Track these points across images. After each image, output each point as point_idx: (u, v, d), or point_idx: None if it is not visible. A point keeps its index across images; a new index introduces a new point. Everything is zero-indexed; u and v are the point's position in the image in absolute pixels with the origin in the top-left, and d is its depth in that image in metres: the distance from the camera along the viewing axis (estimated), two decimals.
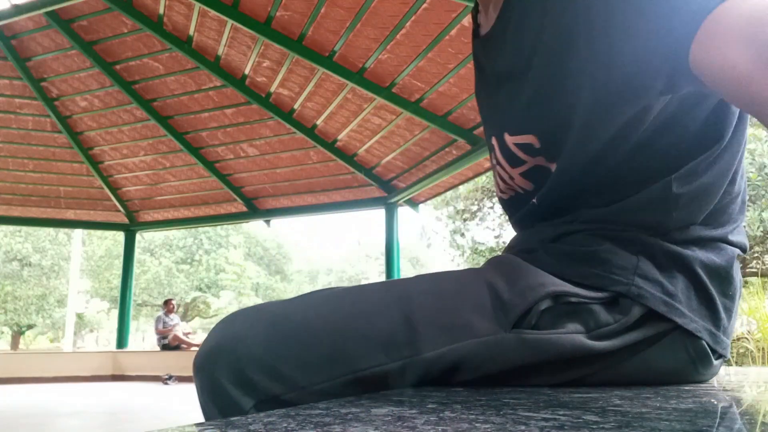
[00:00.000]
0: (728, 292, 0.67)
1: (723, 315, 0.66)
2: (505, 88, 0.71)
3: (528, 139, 0.68)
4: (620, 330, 0.62)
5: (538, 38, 0.63)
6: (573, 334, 0.61)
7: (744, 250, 0.71)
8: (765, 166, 6.50)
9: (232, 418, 0.40)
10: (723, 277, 0.67)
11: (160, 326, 8.94)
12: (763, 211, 6.39)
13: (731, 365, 4.80)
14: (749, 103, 0.44)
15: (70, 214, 8.67)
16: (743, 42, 0.43)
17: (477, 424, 0.36)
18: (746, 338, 5.21)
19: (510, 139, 0.70)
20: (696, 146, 0.64)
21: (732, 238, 0.69)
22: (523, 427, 0.35)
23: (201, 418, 0.60)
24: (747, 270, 7.40)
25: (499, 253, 0.81)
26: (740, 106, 0.46)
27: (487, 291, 0.63)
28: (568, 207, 0.69)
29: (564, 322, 0.62)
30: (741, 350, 5.18)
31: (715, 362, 0.68)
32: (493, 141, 0.75)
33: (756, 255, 7.25)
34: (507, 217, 0.86)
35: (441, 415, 0.41)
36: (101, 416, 4.78)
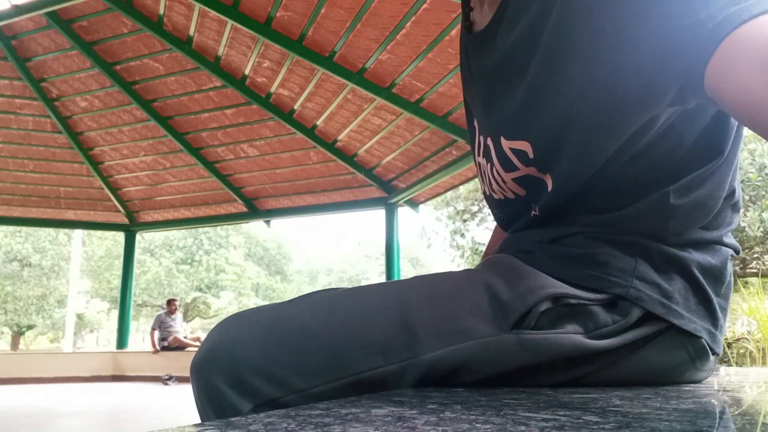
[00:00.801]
0: (722, 292, 0.69)
1: (719, 314, 0.67)
2: (499, 88, 0.70)
3: (523, 145, 0.67)
4: (619, 331, 0.63)
5: (537, 38, 0.62)
6: (572, 334, 0.61)
7: (737, 252, 0.72)
8: (765, 166, 6.50)
9: (232, 419, 0.40)
10: (717, 278, 0.68)
11: (157, 326, 8.92)
12: (763, 211, 6.38)
13: (731, 365, 4.80)
14: (763, 127, 0.44)
15: (70, 215, 8.67)
16: (759, 67, 0.43)
17: (477, 425, 0.36)
18: (746, 338, 5.20)
19: (506, 144, 0.70)
20: (695, 158, 0.64)
21: (726, 240, 0.70)
22: (523, 428, 0.35)
23: (199, 420, 0.60)
24: (747, 270, 7.39)
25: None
26: (753, 129, 0.46)
27: (486, 293, 0.63)
28: (567, 214, 0.70)
29: (563, 323, 0.62)
30: (741, 350, 5.18)
31: (711, 358, 0.69)
32: (489, 142, 0.74)
33: (756, 255, 7.24)
34: (492, 213, 0.86)
35: (441, 415, 0.41)
36: (101, 416, 4.78)
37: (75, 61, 6.55)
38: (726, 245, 0.70)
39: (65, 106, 7.13)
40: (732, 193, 0.68)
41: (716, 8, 0.47)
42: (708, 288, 0.66)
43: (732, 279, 0.71)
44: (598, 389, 0.61)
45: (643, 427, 0.37)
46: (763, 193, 6.52)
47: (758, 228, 6.39)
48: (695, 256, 0.66)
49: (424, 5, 4.27)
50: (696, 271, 0.65)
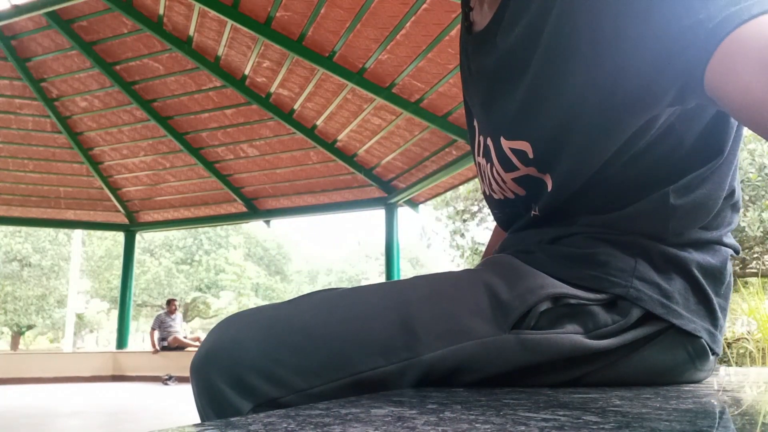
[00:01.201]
0: (721, 292, 0.69)
1: (719, 314, 0.67)
2: (499, 88, 0.70)
3: (523, 145, 0.67)
4: (619, 331, 0.63)
5: (537, 38, 0.62)
6: (572, 335, 0.61)
7: (737, 252, 0.72)
8: (765, 167, 6.50)
9: (232, 419, 0.40)
10: (717, 278, 0.68)
11: (157, 326, 8.91)
12: (763, 211, 6.38)
13: (731, 365, 4.80)
14: (762, 127, 0.44)
15: (70, 215, 8.67)
16: (759, 67, 0.43)
17: (477, 425, 0.36)
18: (746, 338, 5.20)
19: (506, 144, 0.70)
20: (695, 158, 0.64)
21: (726, 240, 0.70)
22: (523, 428, 0.35)
23: (199, 420, 0.60)
24: (747, 270, 7.38)
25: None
26: (753, 129, 0.46)
27: (486, 293, 0.63)
28: (567, 214, 0.70)
29: (563, 323, 0.62)
30: (741, 350, 5.18)
31: (711, 358, 0.69)
32: (489, 142, 0.74)
33: (756, 255, 7.24)
34: (492, 213, 0.86)
35: (441, 415, 0.41)
36: (101, 416, 4.78)
37: (75, 61, 6.55)
38: (726, 245, 0.70)
39: (65, 106, 7.13)
40: (732, 193, 0.68)
41: (716, 8, 0.47)
42: (708, 288, 0.66)
43: (732, 279, 0.71)
44: (598, 389, 0.61)
45: (643, 427, 0.37)
46: (763, 193, 6.52)
47: (758, 228, 6.39)
48: (695, 256, 0.66)
49: (424, 5, 4.27)
50: (696, 271, 0.65)
